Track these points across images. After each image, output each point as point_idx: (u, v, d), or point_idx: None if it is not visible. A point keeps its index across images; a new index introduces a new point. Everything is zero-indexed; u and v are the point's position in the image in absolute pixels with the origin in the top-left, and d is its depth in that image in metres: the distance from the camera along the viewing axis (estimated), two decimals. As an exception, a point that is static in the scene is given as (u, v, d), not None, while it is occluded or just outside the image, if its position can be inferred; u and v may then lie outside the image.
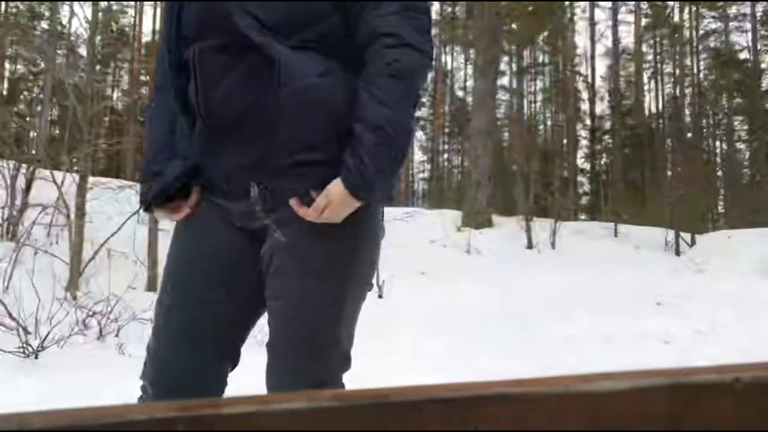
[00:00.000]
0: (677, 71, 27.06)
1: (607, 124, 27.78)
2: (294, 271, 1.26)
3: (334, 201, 1.19)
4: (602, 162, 27.79)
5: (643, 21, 28.38)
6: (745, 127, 26.57)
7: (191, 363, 1.32)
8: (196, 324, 1.32)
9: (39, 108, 17.38)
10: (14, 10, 18.11)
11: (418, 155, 29.09)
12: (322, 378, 1.28)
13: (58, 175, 6.68)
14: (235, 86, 1.23)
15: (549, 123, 29.80)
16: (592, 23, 29.13)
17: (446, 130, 29.39)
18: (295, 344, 1.29)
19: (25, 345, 3.99)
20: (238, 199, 1.28)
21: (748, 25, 27.00)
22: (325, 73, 1.21)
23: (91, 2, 6.99)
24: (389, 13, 1.19)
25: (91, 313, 4.70)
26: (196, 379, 1.33)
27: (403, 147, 1.20)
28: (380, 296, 7.49)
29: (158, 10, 17.26)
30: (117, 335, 4.60)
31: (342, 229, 1.23)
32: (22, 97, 21.45)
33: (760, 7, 26.18)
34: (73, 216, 6.26)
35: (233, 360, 1.38)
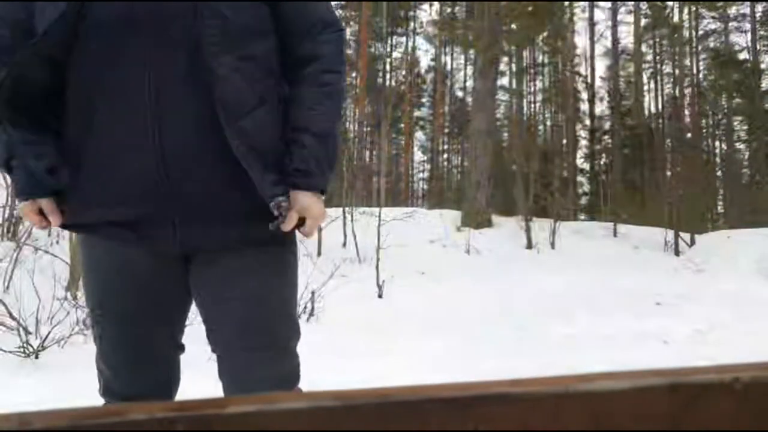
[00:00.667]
0: (677, 71, 27.07)
1: (607, 125, 27.79)
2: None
3: (312, 208, 1.36)
4: (602, 162, 27.79)
5: (643, 21, 28.39)
6: (745, 128, 26.58)
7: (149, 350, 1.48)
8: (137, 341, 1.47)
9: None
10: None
11: (418, 155, 29.11)
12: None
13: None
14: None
15: (548, 123, 29.81)
16: (592, 23, 29.16)
17: (446, 130, 29.39)
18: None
19: (25, 345, 3.99)
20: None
21: (748, 26, 27.02)
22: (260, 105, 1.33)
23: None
24: (324, 42, 1.41)
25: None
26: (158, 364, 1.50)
27: (338, 145, 1.46)
28: (380, 296, 7.49)
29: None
30: (117, 335, 4.59)
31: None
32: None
33: (759, 8, 26.20)
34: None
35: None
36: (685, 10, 26.87)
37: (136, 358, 1.44)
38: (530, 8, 21.29)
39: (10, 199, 6.80)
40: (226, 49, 1.25)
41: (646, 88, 29.43)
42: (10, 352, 3.92)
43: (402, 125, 26.80)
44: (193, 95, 1.25)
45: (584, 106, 29.39)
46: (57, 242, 6.80)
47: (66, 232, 6.45)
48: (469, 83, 27.17)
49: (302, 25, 1.39)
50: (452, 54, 29.79)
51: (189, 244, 1.34)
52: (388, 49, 28.51)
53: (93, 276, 1.43)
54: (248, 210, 1.32)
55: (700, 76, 27.46)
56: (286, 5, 1.37)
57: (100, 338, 1.44)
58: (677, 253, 12.80)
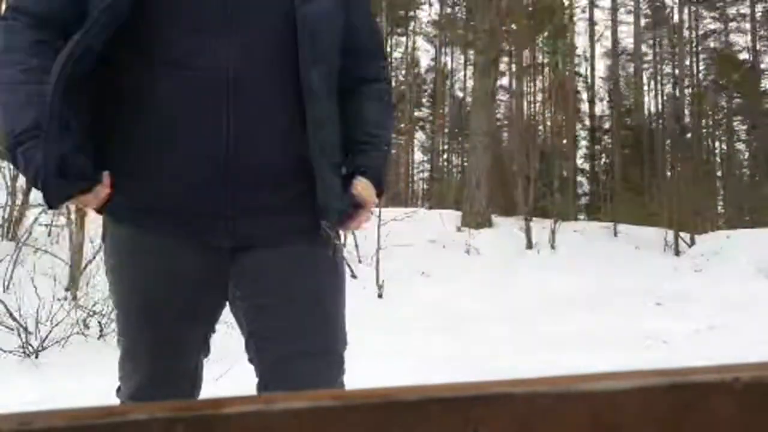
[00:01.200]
0: (676, 71, 27.07)
1: (607, 125, 27.79)
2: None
3: (372, 199, 1.40)
4: (602, 162, 27.80)
5: (643, 21, 28.40)
6: (745, 127, 26.59)
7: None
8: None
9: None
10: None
11: (418, 155, 29.10)
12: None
13: (58, 175, 6.67)
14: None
15: (548, 123, 29.80)
16: (592, 23, 29.15)
17: (446, 130, 29.38)
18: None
19: (25, 345, 3.99)
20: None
21: (748, 26, 27.01)
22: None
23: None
24: (385, 66, 1.55)
25: (91, 313, 4.70)
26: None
27: None
28: (380, 296, 7.49)
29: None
30: (117, 335, 4.60)
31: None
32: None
33: (759, 8, 26.19)
34: (73, 216, 6.25)
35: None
36: (685, 10, 26.87)
37: (167, 363, 1.37)
38: (530, 8, 21.29)
39: (9, 198, 6.80)
40: (317, 60, 1.30)
41: (645, 88, 29.43)
42: (10, 352, 3.92)
43: (402, 125, 26.80)
44: (273, 98, 1.28)
45: (584, 106, 29.41)
46: (57, 242, 6.80)
47: (66, 232, 6.45)
48: (469, 83, 27.18)
49: (372, 47, 1.51)
50: (452, 54, 29.79)
51: (244, 236, 1.28)
52: (388, 50, 28.53)
53: (129, 270, 1.33)
54: (307, 207, 1.31)
55: (700, 76, 27.46)
56: (362, 28, 1.45)
57: (129, 338, 1.37)
58: (677, 253, 12.80)
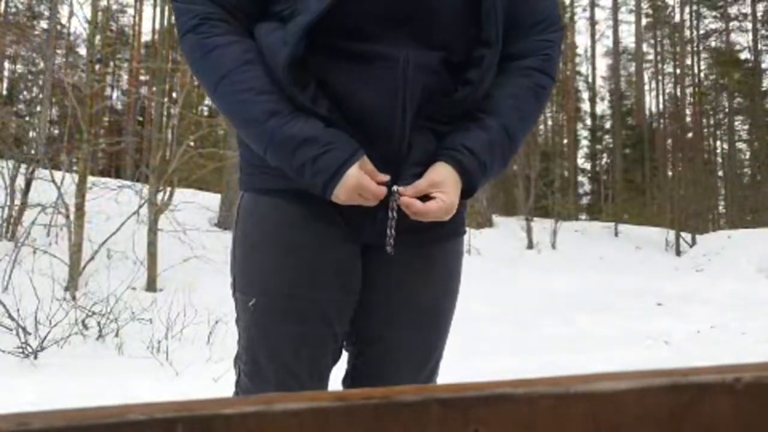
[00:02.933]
0: (678, 71, 27.06)
1: (608, 124, 27.80)
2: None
3: (448, 186, 1.09)
4: (603, 162, 27.81)
5: (644, 21, 28.40)
6: (746, 127, 26.59)
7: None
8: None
9: (38, 108, 17.39)
10: (13, 10, 18.13)
11: (418, 155, 29.06)
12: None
13: (57, 174, 6.69)
14: None
15: (549, 123, 29.81)
16: (593, 23, 29.16)
17: (446, 130, 29.36)
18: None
19: (24, 345, 3.99)
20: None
21: (749, 25, 27.01)
22: None
23: (91, 2, 7.00)
24: (545, 41, 1.19)
25: (90, 313, 4.70)
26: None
27: (511, 159, 1.20)
28: (380, 296, 7.49)
29: (158, 10, 17.26)
30: (116, 335, 4.60)
31: None
32: (21, 96, 21.47)
33: (760, 7, 26.20)
34: (72, 216, 6.26)
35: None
36: (686, 10, 26.87)
37: (310, 366, 1.17)
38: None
39: (9, 199, 6.81)
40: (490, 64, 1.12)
41: (647, 87, 29.45)
42: (9, 352, 3.92)
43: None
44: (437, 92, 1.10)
45: (585, 106, 29.42)
46: (56, 242, 6.80)
47: (65, 232, 6.46)
48: (470, 83, 27.12)
49: (533, 18, 1.18)
50: (453, 54, 29.77)
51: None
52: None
53: (280, 258, 1.14)
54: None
55: (701, 75, 27.47)
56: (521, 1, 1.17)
57: (268, 336, 1.16)
58: (678, 253, 12.80)
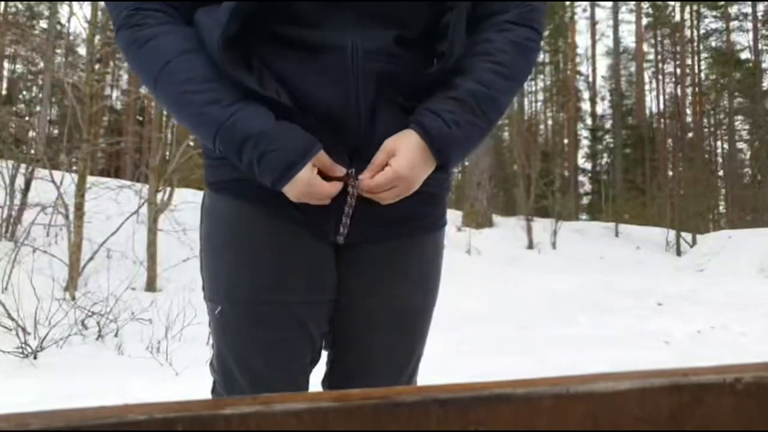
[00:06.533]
0: (678, 71, 27.08)
1: (608, 124, 27.80)
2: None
3: (406, 167, 0.98)
4: (603, 162, 27.81)
5: (644, 20, 28.40)
6: (746, 127, 26.59)
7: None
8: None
9: (38, 108, 17.40)
10: (13, 10, 18.13)
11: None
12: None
13: (57, 174, 6.69)
14: None
15: (550, 122, 29.81)
16: (593, 23, 29.17)
17: (446, 129, 29.33)
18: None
19: (24, 345, 3.99)
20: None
21: (749, 25, 27.01)
22: None
23: (90, 2, 7.01)
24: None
25: (90, 313, 4.70)
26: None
27: (496, 120, 1.06)
28: (380, 296, 7.49)
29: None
30: (116, 335, 4.60)
31: None
32: (21, 96, 21.48)
33: (761, 7, 26.19)
34: (72, 216, 6.26)
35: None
36: (687, 9, 26.87)
37: (287, 372, 1.10)
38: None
39: (9, 198, 6.81)
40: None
41: (647, 87, 29.45)
42: (9, 352, 3.92)
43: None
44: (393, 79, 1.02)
45: (585, 106, 29.42)
46: (56, 242, 6.80)
47: (64, 232, 6.46)
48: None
49: None
50: (453, 54, 29.75)
51: (354, 230, 1.06)
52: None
53: (243, 262, 1.07)
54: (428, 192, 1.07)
55: (702, 75, 27.47)
56: None
57: (245, 340, 1.09)
58: (679, 253, 12.80)
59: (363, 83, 0.99)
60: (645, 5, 27.94)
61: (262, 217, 1.06)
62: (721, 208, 24.66)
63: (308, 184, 0.97)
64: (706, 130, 26.80)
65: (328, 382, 1.18)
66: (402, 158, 0.98)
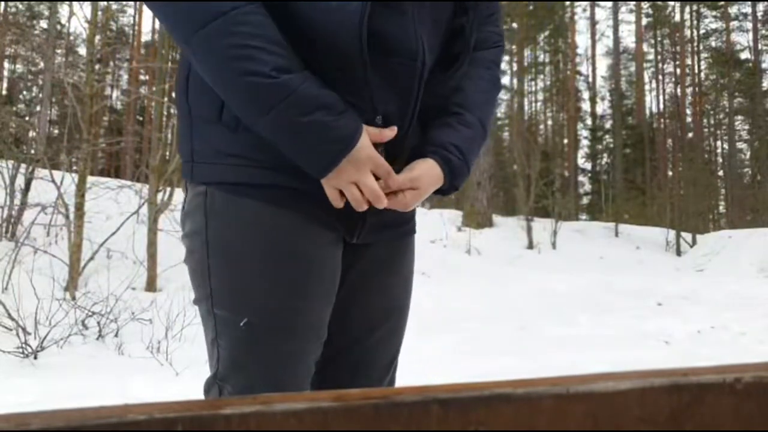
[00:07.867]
0: (678, 71, 27.08)
1: (608, 124, 27.81)
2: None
3: (426, 183, 1.04)
4: (603, 162, 27.81)
5: (644, 20, 28.41)
6: (746, 127, 26.59)
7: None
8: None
9: (38, 108, 17.39)
10: (13, 10, 18.12)
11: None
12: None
13: (57, 174, 6.69)
14: None
15: (550, 123, 29.81)
16: (593, 23, 29.17)
17: (446, 129, 29.33)
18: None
19: (24, 345, 3.99)
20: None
21: (749, 25, 27.02)
22: None
23: (90, 2, 7.00)
24: (499, 33, 1.22)
25: (90, 313, 4.70)
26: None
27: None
28: (380, 296, 7.48)
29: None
30: (116, 335, 4.60)
31: None
32: (21, 96, 21.48)
33: (761, 7, 26.20)
34: (72, 216, 6.26)
35: None
36: (687, 9, 26.88)
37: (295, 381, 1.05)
38: (531, 7, 21.30)
39: (9, 198, 6.81)
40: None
41: (647, 87, 29.45)
42: (9, 352, 3.92)
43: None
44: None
45: (585, 106, 29.43)
46: (56, 242, 6.80)
47: (65, 232, 6.46)
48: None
49: (489, 9, 1.18)
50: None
51: (371, 232, 1.09)
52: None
53: (278, 270, 1.01)
54: None
55: (702, 75, 27.48)
56: None
57: (259, 352, 1.03)
58: (679, 253, 12.80)
59: (421, 93, 1.03)
60: (645, 5, 27.94)
61: (298, 225, 1.02)
62: (721, 208, 24.68)
63: (369, 156, 0.96)
64: (706, 130, 26.80)
65: (317, 379, 1.13)
66: (421, 192, 1.04)
